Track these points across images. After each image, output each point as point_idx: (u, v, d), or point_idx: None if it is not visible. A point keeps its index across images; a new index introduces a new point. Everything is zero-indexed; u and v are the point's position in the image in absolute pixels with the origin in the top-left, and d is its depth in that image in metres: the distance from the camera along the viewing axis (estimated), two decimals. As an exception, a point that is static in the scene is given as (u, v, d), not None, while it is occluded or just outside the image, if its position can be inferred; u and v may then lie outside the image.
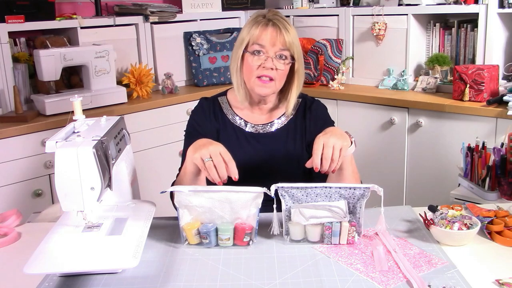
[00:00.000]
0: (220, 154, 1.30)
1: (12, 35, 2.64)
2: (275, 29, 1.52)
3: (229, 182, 1.31)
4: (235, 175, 1.30)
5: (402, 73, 3.03)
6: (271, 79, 1.54)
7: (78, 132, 1.25)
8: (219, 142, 1.62)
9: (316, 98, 1.72)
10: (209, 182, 1.59)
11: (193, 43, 3.31)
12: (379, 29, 3.04)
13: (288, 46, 1.53)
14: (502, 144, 1.91)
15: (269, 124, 1.64)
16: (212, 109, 1.66)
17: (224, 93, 1.70)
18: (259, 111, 1.65)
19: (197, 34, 3.34)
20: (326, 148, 1.30)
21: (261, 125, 1.64)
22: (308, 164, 1.32)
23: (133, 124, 2.70)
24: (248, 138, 1.63)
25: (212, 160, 1.29)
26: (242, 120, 1.65)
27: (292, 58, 1.55)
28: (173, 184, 1.49)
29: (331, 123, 1.66)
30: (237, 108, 1.66)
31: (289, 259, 1.22)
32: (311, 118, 1.65)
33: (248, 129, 1.64)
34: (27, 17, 2.63)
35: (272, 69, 1.52)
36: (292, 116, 1.66)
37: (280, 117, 1.65)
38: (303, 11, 3.49)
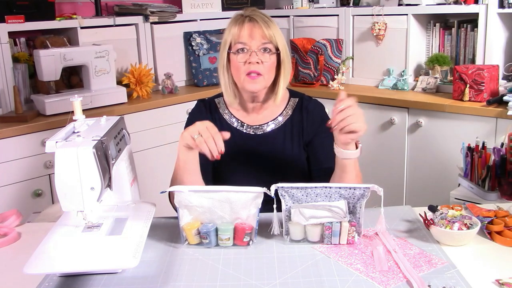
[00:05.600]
0: (207, 129, 1.31)
1: (12, 35, 2.64)
2: (252, 23, 1.54)
3: (229, 182, 1.31)
4: (221, 148, 1.31)
5: (402, 73, 3.03)
6: (259, 74, 1.54)
7: (78, 132, 1.25)
8: None
9: (313, 98, 1.71)
10: (211, 178, 1.60)
11: (193, 43, 3.31)
12: (379, 29, 3.04)
13: (269, 38, 1.54)
14: (502, 144, 1.91)
15: (266, 124, 1.64)
16: (209, 110, 1.67)
17: (221, 94, 1.70)
18: (255, 112, 1.65)
19: (197, 34, 3.34)
20: (350, 109, 1.29)
21: (258, 126, 1.64)
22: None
23: (133, 124, 2.70)
24: (245, 139, 1.63)
25: (201, 136, 1.30)
26: (239, 121, 1.65)
27: (277, 49, 1.56)
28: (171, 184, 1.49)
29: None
30: (234, 109, 1.66)
31: (289, 259, 1.22)
32: (308, 118, 1.65)
33: (245, 129, 1.64)
34: (27, 17, 2.63)
35: (258, 63, 1.52)
36: (289, 116, 1.66)
37: (277, 117, 1.65)
38: (303, 11, 3.49)
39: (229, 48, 1.56)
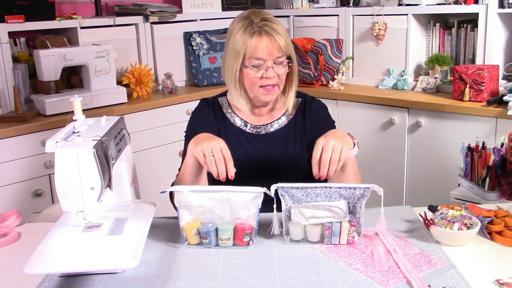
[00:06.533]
0: (221, 150, 1.31)
1: (12, 35, 2.64)
2: (269, 38, 1.49)
3: (228, 181, 1.31)
4: (231, 174, 1.31)
5: (402, 73, 3.03)
6: (274, 86, 1.54)
7: (78, 132, 1.25)
8: None
9: (316, 98, 1.71)
10: (210, 178, 1.59)
11: (193, 43, 3.31)
12: (379, 29, 3.04)
13: (284, 50, 1.51)
14: (502, 144, 1.91)
15: (269, 124, 1.64)
16: (212, 110, 1.66)
17: (224, 94, 1.70)
18: (259, 112, 1.65)
19: (197, 34, 3.34)
20: (325, 151, 1.30)
21: (262, 126, 1.64)
22: (314, 173, 1.32)
23: (133, 124, 2.70)
24: (248, 139, 1.63)
25: (213, 155, 1.30)
26: (242, 121, 1.65)
27: (288, 58, 1.55)
28: (172, 185, 1.49)
29: (332, 122, 1.66)
30: (237, 108, 1.65)
31: (289, 259, 1.22)
32: (311, 118, 1.65)
33: (248, 129, 1.64)
34: (27, 17, 2.63)
35: (274, 76, 1.52)
36: (292, 116, 1.66)
37: (281, 117, 1.65)
38: (303, 11, 3.49)
39: (243, 60, 1.51)
